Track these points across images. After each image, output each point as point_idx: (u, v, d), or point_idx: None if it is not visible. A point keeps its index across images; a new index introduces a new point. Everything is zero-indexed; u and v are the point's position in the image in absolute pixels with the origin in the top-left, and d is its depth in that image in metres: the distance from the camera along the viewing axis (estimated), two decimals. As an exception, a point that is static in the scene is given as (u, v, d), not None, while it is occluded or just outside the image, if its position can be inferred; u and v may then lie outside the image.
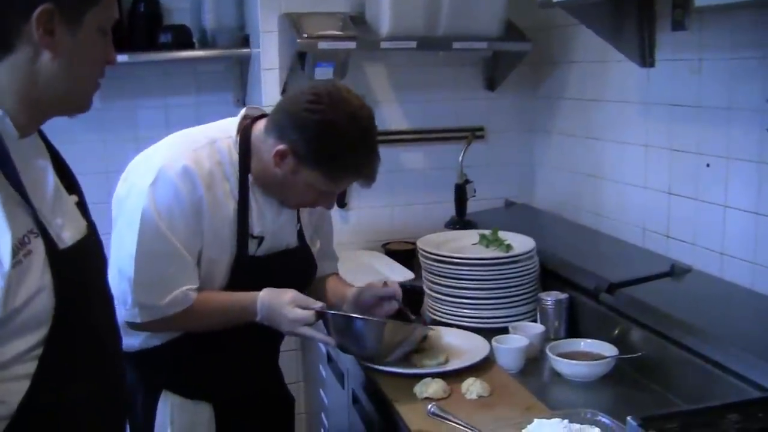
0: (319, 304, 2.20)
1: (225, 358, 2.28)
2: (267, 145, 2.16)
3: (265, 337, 2.31)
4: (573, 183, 3.41)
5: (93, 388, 1.55)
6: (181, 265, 2.13)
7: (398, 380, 2.25)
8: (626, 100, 2.99)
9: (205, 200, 2.12)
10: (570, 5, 2.72)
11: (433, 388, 2.15)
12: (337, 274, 2.59)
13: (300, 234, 2.37)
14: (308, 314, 2.16)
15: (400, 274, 3.10)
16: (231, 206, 2.18)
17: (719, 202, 2.51)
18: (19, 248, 1.37)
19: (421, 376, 2.22)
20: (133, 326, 2.14)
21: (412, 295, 2.83)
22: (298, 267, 2.38)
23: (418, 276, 2.98)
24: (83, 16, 1.45)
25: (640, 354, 2.26)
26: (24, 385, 1.41)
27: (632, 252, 2.88)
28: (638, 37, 2.77)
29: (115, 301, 1.77)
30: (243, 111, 2.26)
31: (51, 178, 1.53)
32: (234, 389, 2.34)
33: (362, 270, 3.10)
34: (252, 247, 2.22)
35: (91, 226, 1.63)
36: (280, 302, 2.16)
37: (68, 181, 1.62)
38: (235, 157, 2.19)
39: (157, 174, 2.09)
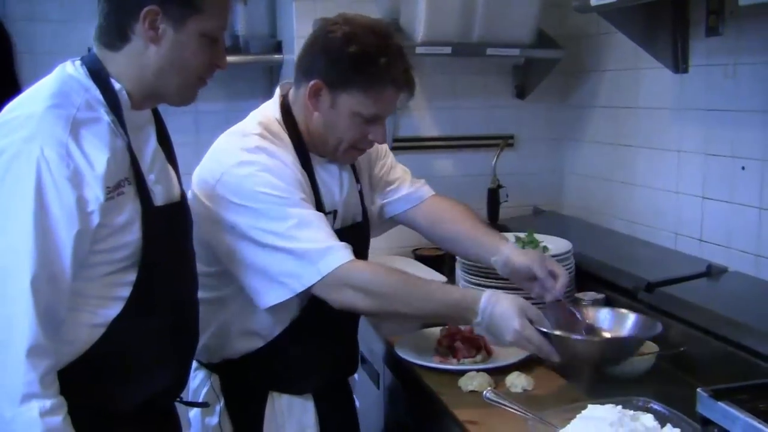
0: (546, 322, 2.06)
1: (320, 344, 2.24)
2: (300, 98, 2.18)
3: (348, 320, 2.31)
4: (603, 190, 3.43)
5: (170, 322, 1.85)
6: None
7: (439, 376, 2.26)
8: (659, 107, 3.02)
9: (297, 168, 2.12)
10: (605, 10, 2.75)
11: (478, 381, 2.16)
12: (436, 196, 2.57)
13: (363, 206, 2.37)
14: (540, 339, 2.02)
15: (431, 276, 3.11)
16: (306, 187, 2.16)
17: (755, 204, 2.53)
18: (115, 189, 1.66)
19: (463, 372, 2.23)
20: (326, 287, 2.03)
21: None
22: (362, 242, 2.37)
23: (450, 281, 3.00)
24: (186, 21, 1.72)
25: (681, 349, 2.27)
26: (119, 306, 1.72)
27: (667, 254, 2.90)
28: (672, 44, 2.80)
29: (282, 278, 2.04)
30: (277, 90, 2.27)
31: (152, 143, 1.84)
32: (331, 376, 2.34)
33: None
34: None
35: (183, 193, 1.95)
36: (509, 308, 2.03)
37: (169, 154, 1.93)
38: (287, 139, 2.18)
39: (244, 165, 2.07)
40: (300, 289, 2.04)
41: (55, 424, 1.57)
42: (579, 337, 2.11)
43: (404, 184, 2.52)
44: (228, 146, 2.16)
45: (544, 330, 2.04)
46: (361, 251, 2.34)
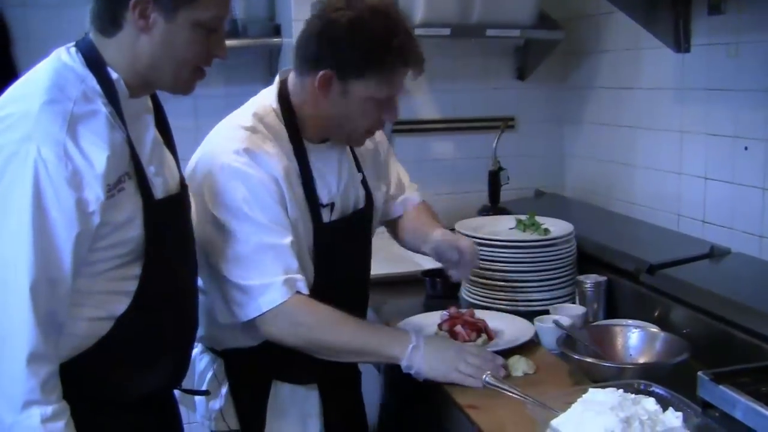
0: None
1: None
2: (305, 87, 2.11)
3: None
4: (604, 172, 3.41)
5: (173, 313, 1.85)
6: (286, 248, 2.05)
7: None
8: (660, 87, 2.99)
9: (279, 176, 2.07)
10: (606, -11, 2.74)
11: (478, 364, 2.14)
12: (421, 203, 2.60)
13: (367, 192, 2.34)
14: (481, 348, 2.12)
15: (433, 261, 3.09)
16: (298, 181, 2.13)
17: (758, 185, 2.51)
18: (115, 186, 1.63)
19: (464, 356, 2.22)
20: (262, 323, 2.04)
21: (449, 279, 2.83)
22: (365, 231, 2.36)
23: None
24: (178, 11, 1.66)
25: (685, 331, 2.25)
26: (126, 301, 1.71)
27: (669, 236, 2.88)
28: (673, 23, 2.78)
29: (230, 304, 2.05)
30: (277, 78, 2.21)
31: (152, 132, 1.81)
32: (336, 367, 2.26)
33: (394, 258, 3.10)
34: (325, 215, 2.18)
35: (182, 180, 1.93)
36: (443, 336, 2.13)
37: (168, 140, 1.90)
38: (282, 129, 2.14)
39: (229, 173, 2.03)
40: (244, 319, 2.04)
41: (57, 431, 1.55)
42: (609, 364, 2.07)
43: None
44: (219, 142, 2.12)
45: (576, 356, 2.06)
46: (364, 236, 2.35)
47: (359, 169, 2.33)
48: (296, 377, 2.23)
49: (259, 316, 2.02)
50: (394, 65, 2.06)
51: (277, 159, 2.08)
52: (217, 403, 2.23)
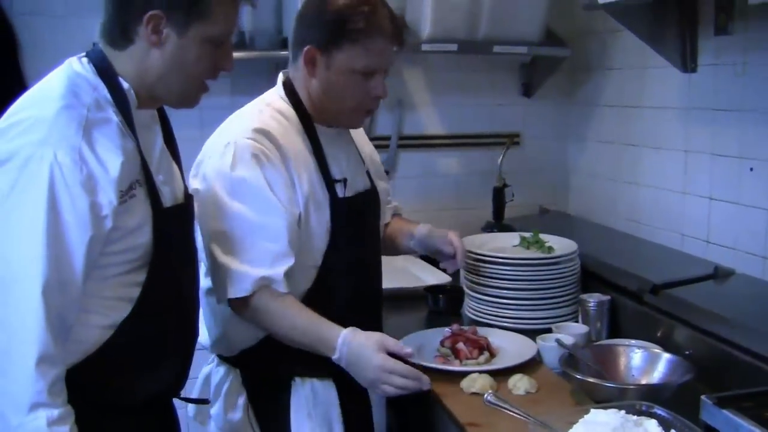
0: (407, 350, 2.07)
1: (341, 320, 2.13)
2: (299, 71, 2.20)
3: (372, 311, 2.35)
4: (609, 190, 3.41)
5: (174, 321, 1.86)
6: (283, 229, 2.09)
7: (442, 377, 2.22)
8: (666, 106, 2.99)
9: (288, 154, 2.12)
10: (613, 8, 2.73)
11: (480, 383, 2.13)
12: (399, 215, 2.67)
13: (368, 175, 2.39)
14: (404, 368, 2.02)
15: (436, 277, 3.09)
16: (311, 159, 2.18)
17: (762, 206, 2.51)
18: (127, 192, 1.66)
19: (465, 374, 2.20)
20: (232, 305, 2.10)
21: (452, 295, 2.84)
22: (376, 209, 2.40)
23: (454, 280, 2.97)
24: (189, 27, 1.71)
25: (688, 352, 2.24)
26: (128, 307, 1.72)
27: (673, 255, 2.88)
28: (680, 43, 2.78)
29: (218, 285, 2.08)
30: (280, 76, 2.28)
31: (159, 143, 1.84)
32: None
33: (397, 273, 3.10)
34: (339, 191, 2.22)
35: (186, 191, 1.96)
36: (366, 344, 2.03)
37: (173, 151, 1.93)
38: (292, 111, 2.20)
39: (234, 149, 2.07)
40: (223, 299, 2.09)
41: None
42: (611, 385, 2.05)
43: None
44: (228, 125, 2.21)
45: (578, 376, 2.04)
46: (375, 218, 2.40)
47: (363, 162, 2.40)
48: (316, 370, 2.20)
49: (229, 299, 2.08)
50: (369, 32, 2.11)
51: (286, 138, 2.14)
52: (237, 414, 2.22)
